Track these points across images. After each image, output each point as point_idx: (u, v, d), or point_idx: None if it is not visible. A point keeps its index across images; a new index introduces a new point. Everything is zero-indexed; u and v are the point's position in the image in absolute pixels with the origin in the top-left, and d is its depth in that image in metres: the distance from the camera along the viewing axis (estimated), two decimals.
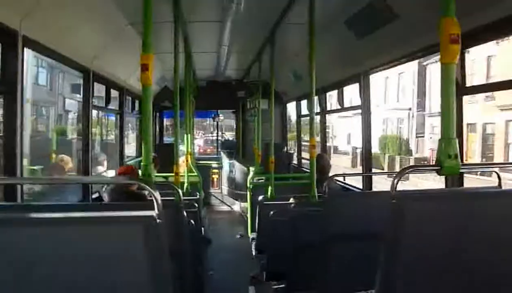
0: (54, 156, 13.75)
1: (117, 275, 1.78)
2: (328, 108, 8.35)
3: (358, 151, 31.33)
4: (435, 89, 23.95)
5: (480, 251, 1.90)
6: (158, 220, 1.68)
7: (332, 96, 8.43)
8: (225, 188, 12.11)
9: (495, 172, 2.60)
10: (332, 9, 4.75)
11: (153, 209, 1.72)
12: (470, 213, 1.90)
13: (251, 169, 8.54)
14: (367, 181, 5.51)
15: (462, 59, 3.46)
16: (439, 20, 1.93)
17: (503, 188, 2.55)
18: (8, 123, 3.37)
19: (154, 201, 1.72)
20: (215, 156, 13.38)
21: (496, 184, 2.53)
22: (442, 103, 1.94)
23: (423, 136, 31.43)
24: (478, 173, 16.67)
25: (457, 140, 1.91)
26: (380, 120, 33.70)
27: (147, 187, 1.82)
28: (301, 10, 4.32)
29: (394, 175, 1.83)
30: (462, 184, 3.59)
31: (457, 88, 2.09)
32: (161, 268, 1.75)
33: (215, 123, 14.08)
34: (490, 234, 1.90)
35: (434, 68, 27.87)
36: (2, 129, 3.41)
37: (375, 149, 31.55)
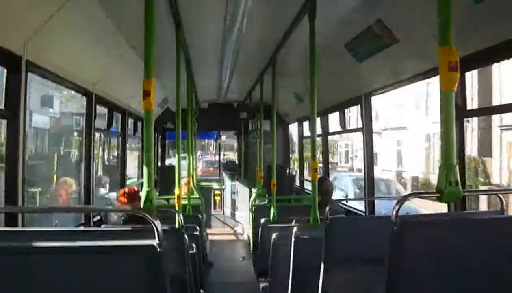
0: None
1: None
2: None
3: (408, 175, 25.91)
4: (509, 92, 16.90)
5: (481, 277, 1.88)
6: (158, 249, 1.68)
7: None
8: (227, 210, 12.06)
9: (498, 197, 2.59)
10: (333, 33, 4.79)
11: (154, 234, 1.72)
12: (471, 239, 1.89)
13: (253, 190, 8.51)
14: (370, 205, 5.49)
15: (463, 83, 3.48)
16: (438, 45, 1.96)
17: (505, 212, 2.54)
18: (10, 149, 3.36)
19: (155, 230, 1.72)
20: (217, 178, 13.36)
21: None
22: (442, 130, 1.95)
23: (490, 157, 21.03)
24: None
25: (457, 167, 1.91)
26: (422, 137, 27.21)
27: (148, 217, 1.82)
28: (302, 33, 4.36)
29: (396, 202, 1.83)
30: (465, 208, 3.57)
31: (458, 112, 2.10)
32: None
33: (216, 143, 14.08)
34: (491, 260, 1.88)
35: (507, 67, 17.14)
36: (4, 155, 3.40)
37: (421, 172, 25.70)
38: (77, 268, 1.70)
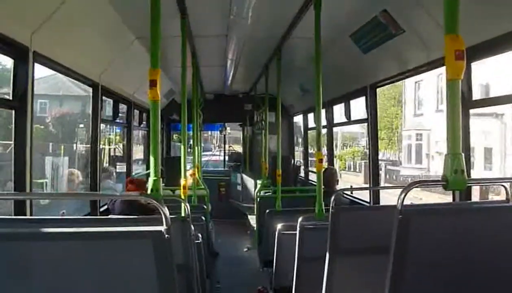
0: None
1: (126, 289, 1.79)
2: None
3: None
4: None
5: (487, 265, 1.89)
6: (166, 235, 1.70)
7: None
8: (232, 201, 12.08)
9: (503, 186, 2.60)
10: (338, 23, 4.78)
11: (161, 223, 1.74)
12: (476, 228, 1.90)
13: (258, 182, 8.53)
14: (375, 195, 5.50)
15: (468, 73, 3.47)
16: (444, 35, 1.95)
17: (511, 201, 2.55)
18: (18, 138, 3.40)
19: (163, 216, 1.74)
20: (222, 169, 13.39)
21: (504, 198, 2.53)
22: (448, 118, 1.95)
23: None
24: None
25: (463, 156, 1.92)
26: None
27: (156, 202, 1.84)
28: (307, 24, 4.36)
29: (401, 190, 1.84)
30: (469, 198, 3.57)
31: (463, 102, 2.10)
32: (169, 282, 1.76)
33: (221, 135, 14.09)
34: (497, 248, 1.89)
35: None
36: (13, 144, 3.44)
37: None
38: (85, 254, 1.72)
